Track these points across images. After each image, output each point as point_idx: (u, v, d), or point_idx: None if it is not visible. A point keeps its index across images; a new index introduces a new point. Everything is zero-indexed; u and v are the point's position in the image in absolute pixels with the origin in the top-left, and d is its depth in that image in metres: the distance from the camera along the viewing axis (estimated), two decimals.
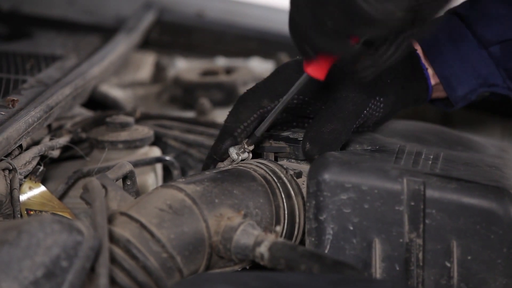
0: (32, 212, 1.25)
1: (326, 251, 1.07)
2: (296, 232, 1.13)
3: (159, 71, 2.16)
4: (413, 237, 1.05)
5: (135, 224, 0.99)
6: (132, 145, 1.47)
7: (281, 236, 1.11)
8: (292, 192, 1.13)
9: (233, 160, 1.18)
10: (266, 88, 1.19)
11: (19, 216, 1.20)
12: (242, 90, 1.97)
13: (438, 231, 1.05)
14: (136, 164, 1.40)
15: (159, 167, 1.52)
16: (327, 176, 1.07)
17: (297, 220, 1.12)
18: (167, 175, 1.53)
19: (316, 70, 1.06)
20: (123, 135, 1.47)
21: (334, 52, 1.03)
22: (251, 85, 1.96)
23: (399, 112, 1.25)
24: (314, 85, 1.14)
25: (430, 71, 1.23)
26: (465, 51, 1.22)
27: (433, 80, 1.23)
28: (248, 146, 1.17)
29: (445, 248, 1.05)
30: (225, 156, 1.18)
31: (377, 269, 1.07)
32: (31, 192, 1.29)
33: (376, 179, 1.06)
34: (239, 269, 1.06)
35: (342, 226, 1.07)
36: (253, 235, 1.01)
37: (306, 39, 1.02)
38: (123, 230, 0.98)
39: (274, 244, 0.99)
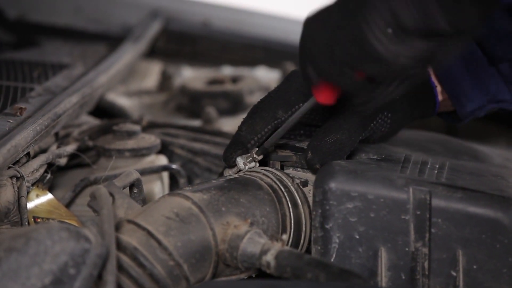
0: (39, 220, 1.26)
1: (332, 260, 1.07)
2: (302, 241, 1.13)
3: (165, 80, 2.16)
4: (419, 246, 1.06)
5: (142, 232, 1.00)
6: (139, 153, 1.47)
7: (287, 244, 1.11)
8: (298, 201, 1.13)
9: (240, 170, 1.18)
10: (279, 98, 1.19)
11: (26, 223, 1.20)
12: (248, 99, 1.98)
13: (444, 240, 1.05)
14: (143, 172, 1.40)
15: (165, 175, 1.52)
16: (333, 185, 1.07)
17: (303, 228, 1.13)
18: (174, 184, 1.54)
19: (323, 96, 1.06)
20: (130, 144, 1.47)
21: (338, 82, 1.02)
22: (257, 94, 1.99)
23: (405, 126, 1.26)
24: None
25: (438, 88, 1.23)
26: (474, 68, 1.22)
27: (441, 96, 1.24)
28: (257, 156, 1.18)
29: (450, 257, 1.05)
30: (234, 164, 1.18)
31: (383, 278, 1.07)
32: (39, 200, 1.29)
33: (382, 188, 1.06)
34: (246, 278, 1.06)
35: (348, 234, 1.07)
36: (259, 243, 1.02)
37: (314, 62, 1.02)
38: (130, 238, 0.99)
39: (280, 253, 1.00)
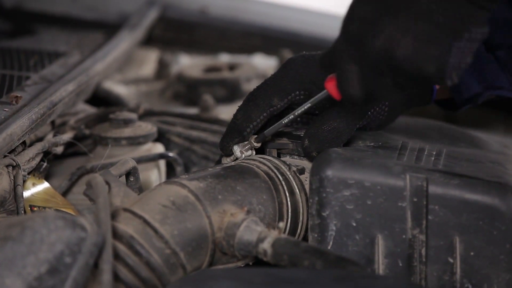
0: (35, 209, 1.26)
1: (329, 247, 1.07)
2: (299, 229, 1.13)
3: (162, 68, 2.16)
4: (416, 233, 1.06)
5: (138, 220, 1.00)
6: (136, 141, 1.47)
7: (284, 232, 1.11)
8: (295, 189, 1.13)
9: (237, 158, 1.18)
10: (275, 85, 1.18)
11: (22, 212, 1.20)
12: (246, 86, 1.98)
13: (441, 227, 1.05)
14: (139, 160, 1.40)
15: (162, 163, 1.52)
16: (330, 172, 1.07)
17: (300, 216, 1.13)
18: (170, 172, 1.53)
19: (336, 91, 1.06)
20: (127, 132, 1.47)
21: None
22: (254, 82, 1.99)
23: (402, 114, 1.25)
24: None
25: None
26: None
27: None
28: (255, 144, 1.17)
29: (448, 244, 1.05)
30: (231, 152, 1.18)
31: (380, 265, 1.07)
32: (35, 189, 1.29)
33: (379, 175, 1.06)
34: (242, 265, 1.06)
35: (345, 222, 1.07)
36: (256, 231, 1.02)
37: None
38: (127, 226, 0.99)
39: (277, 240, 1.00)
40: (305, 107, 1.13)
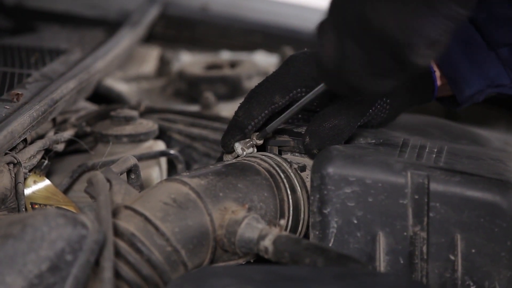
0: (36, 206, 1.26)
1: (330, 245, 1.07)
2: (300, 226, 1.13)
3: (163, 65, 2.16)
4: (417, 230, 1.05)
5: (140, 218, 1.00)
6: (137, 139, 1.47)
7: (285, 229, 1.11)
8: (296, 186, 1.13)
9: (238, 155, 1.18)
10: (277, 83, 1.18)
11: (23, 210, 1.20)
12: (247, 83, 1.98)
13: (442, 224, 1.05)
14: (141, 158, 1.40)
15: (163, 161, 1.52)
16: (331, 169, 1.07)
17: (301, 213, 1.12)
18: (172, 169, 1.53)
19: None
20: (128, 129, 1.47)
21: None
22: (255, 79, 1.99)
23: (404, 111, 1.25)
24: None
25: (437, 73, 1.23)
26: (473, 53, 1.22)
27: (440, 81, 1.23)
28: (258, 141, 1.17)
29: (449, 241, 1.05)
30: (232, 150, 1.18)
31: (381, 263, 1.07)
32: (36, 186, 1.29)
33: (380, 173, 1.06)
34: (243, 263, 1.06)
35: (346, 219, 1.07)
36: (257, 228, 1.02)
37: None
38: (128, 223, 0.99)
39: (278, 238, 1.00)
40: (306, 101, 1.13)
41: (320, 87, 1.10)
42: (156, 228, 0.99)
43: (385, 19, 0.94)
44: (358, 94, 1.13)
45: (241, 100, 1.20)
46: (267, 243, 1.00)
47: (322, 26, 1.01)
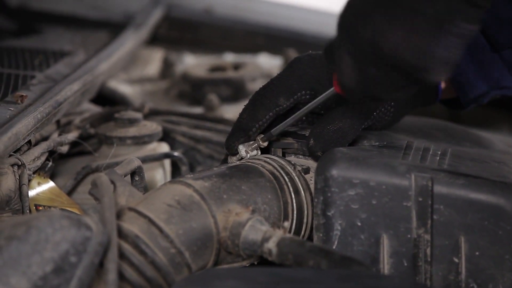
0: (40, 208, 1.26)
1: (334, 247, 1.07)
2: (304, 228, 1.13)
3: (167, 67, 2.16)
4: (421, 232, 1.05)
5: (144, 220, 1.00)
6: (141, 140, 1.47)
7: (289, 231, 1.11)
8: (300, 188, 1.13)
9: (242, 157, 1.18)
10: (281, 85, 1.18)
11: (28, 211, 1.20)
12: (250, 86, 1.98)
13: (446, 227, 1.05)
14: (145, 159, 1.40)
15: (167, 162, 1.52)
16: (335, 172, 1.07)
17: (305, 216, 1.12)
18: (175, 171, 1.53)
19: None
20: (132, 131, 1.47)
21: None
22: (259, 81, 1.99)
23: (408, 113, 1.25)
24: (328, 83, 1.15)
25: None
26: (477, 55, 1.22)
27: (444, 83, 1.23)
28: (262, 143, 1.17)
29: (453, 243, 1.05)
30: (236, 152, 1.18)
31: (385, 265, 1.07)
32: (40, 188, 1.29)
33: (384, 175, 1.06)
34: (247, 265, 1.06)
35: (350, 222, 1.07)
36: (261, 230, 1.02)
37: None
38: (132, 225, 0.99)
39: (282, 240, 1.00)
40: (314, 105, 1.13)
41: (330, 91, 1.10)
42: (160, 230, 0.99)
43: (397, 46, 0.94)
44: (377, 102, 1.17)
45: (244, 102, 1.20)
46: (271, 245, 1.00)
47: (334, 50, 1.02)
